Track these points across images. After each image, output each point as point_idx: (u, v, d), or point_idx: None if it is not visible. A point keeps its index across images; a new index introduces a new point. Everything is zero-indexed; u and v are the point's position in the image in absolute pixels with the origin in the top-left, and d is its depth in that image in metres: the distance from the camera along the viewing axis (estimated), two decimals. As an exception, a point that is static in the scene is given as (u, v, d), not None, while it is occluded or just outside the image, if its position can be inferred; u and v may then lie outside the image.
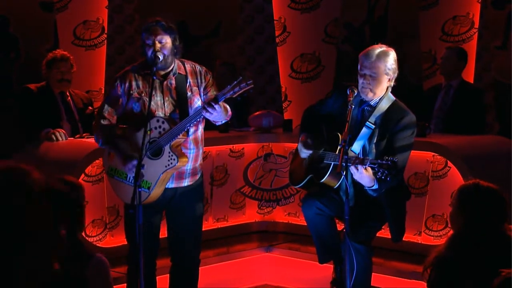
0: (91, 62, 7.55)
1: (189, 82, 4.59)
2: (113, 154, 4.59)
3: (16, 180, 2.30)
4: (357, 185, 4.54)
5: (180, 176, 4.58)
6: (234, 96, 4.36)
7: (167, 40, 4.50)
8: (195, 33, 9.28)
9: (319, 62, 8.16)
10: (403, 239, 4.82)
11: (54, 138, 5.78)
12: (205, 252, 4.91)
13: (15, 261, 2.24)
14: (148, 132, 4.37)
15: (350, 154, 4.37)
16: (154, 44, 4.46)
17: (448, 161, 5.72)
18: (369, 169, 4.24)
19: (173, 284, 4.78)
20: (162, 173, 4.42)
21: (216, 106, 4.31)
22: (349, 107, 4.47)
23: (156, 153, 4.43)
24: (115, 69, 8.22)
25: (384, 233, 4.95)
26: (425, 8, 7.92)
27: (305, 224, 4.90)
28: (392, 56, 4.58)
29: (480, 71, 7.90)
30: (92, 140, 5.75)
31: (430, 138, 5.96)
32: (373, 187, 4.40)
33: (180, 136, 4.42)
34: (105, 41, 7.67)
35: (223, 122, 4.64)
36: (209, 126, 4.81)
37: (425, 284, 3.55)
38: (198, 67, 4.67)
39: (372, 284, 4.78)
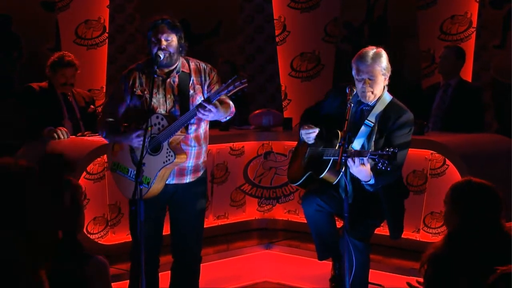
0: (93, 61, 7.57)
1: (192, 80, 4.60)
2: (117, 150, 4.61)
3: (16, 177, 2.32)
4: (355, 182, 4.56)
5: (181, 172, 4.59)
6: (229, 94, 4.37)
7: (173, 38, 4.52)
8: (196, 32, 9.29)
9: (319, 61, 8.17)
10: (402, 236, 4.83)
11: (56, 136, 5.79)
12: (205, 249, 4.92)
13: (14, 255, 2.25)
14: (149, 128, 4.39)
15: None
16: (159, 42, 4.48)
17: (446, 159, 5.73)
18: (366, 163, 4.27)
19: (175, 280, 4.79)
20: (160, 169, 4.43)
21: (210, 107, 4.31)
22: (348, 105, 4.49)
23: (155, 149, 4.44)
24: (116, 68, 8.25)
25: (383, 230, 4.97)
26: (424, 8, 7.93)
27: (305, 221, 4.91)
28: (384, 55, 4.60)
29: (478, 70, 7.91)
30: (93, 138, 5.78)
31: (429, 136, 5.97)
32: (370, 182, 4.43)
33: (179, 133, 4.43)
34: (106, 40, 7.68)
35: (227, 118, 4.62)
36: (210, 124, 4.81)
37: (423, 280, 3.57)
38: (202, 65, 4.67)
39: (371, 280, 4.80)
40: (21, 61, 8.48)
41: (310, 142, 4.72)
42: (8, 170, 2.37)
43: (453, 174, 5.60)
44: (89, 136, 5.90)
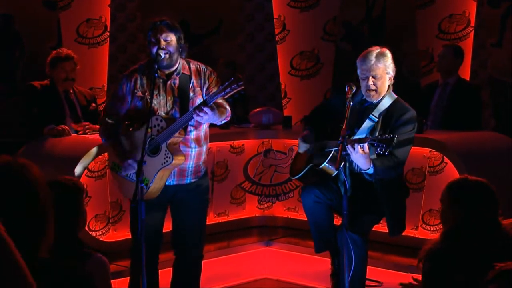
0: (94, 59, 7.57)
1: (193, 82, 4.59)
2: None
3: (16, 174, 2.31)
4: (355, 178, 4.58)
5: (182, 173, 4.58)
6: (225, 97, 4.36)
7: (172, 38, 4.50)
8: (196, 32, 9.29)
9: (318, 59, 8.17)
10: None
11: (58, 135, 5.79)
12: (206, 246, 4.91)
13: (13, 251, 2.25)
14: (149, 130, 4.38)
15: None
16: (159, 42, 4.47)
17: (445, 157, 5.73)
18: (366, 149, 4.28)
19: (176, 277, 4.79)
20: (159, 170, 4.43)
21: (206, 109, 4.30)
22: (348, 103, 4.51)
23: (154, 151, 4.44)
24: (117, 67, 8.25)
25: (382, 227, 4.97)
26: (422, 7, 7.93)
27: (304, 219, 4.92)
28: (389, 55, 4.62)
29: (476, 68, 7.91)
30: (95, 136, 5.78)
31: (427, 134, 5.97)
32: (369, 171, 4.45)
33: (177, 135, 4.42)
34: (108, 39, 7.68)
35: (222, 122, 4.61)
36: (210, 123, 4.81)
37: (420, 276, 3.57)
38: (203, 68, 4.65)
39: (370, 277, 4.80)
40: (23, 59, 8.49)
41: (299, 150, 4.86)
42: (8, 166, 2.36)
43: (451, 172, 5.59)
44: (90, 133, 5.87)
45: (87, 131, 5.96)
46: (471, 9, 7.64)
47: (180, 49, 4.54)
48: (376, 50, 4.62)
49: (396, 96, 4.70)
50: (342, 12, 8.73)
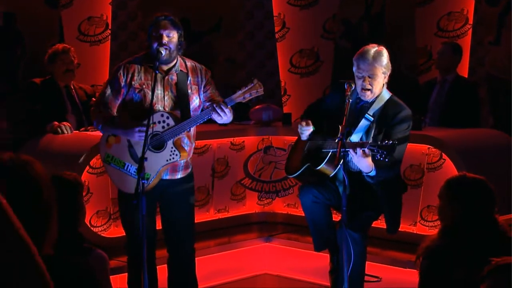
0: (96, 57, 7.57)
1: (190, 80, 4.61)
2: (111, 142, 4.58)
3: (19, 171, 2.32)
4: (353, 176, 4.57)
5: (174, 169, 4.61)
6: (244, 101, 4.41)
7: (174, 35, 4.53)
8: (197, 29, 9.28)
9: (318, 57, 8.17)
10: (399, 229, 4.84)
11: (60, 131, 5.79)
12: (206, 242, 4.93)
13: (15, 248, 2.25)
14: (153, 125, 4.39)
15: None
16: (161, 37, 4.47)
17: (443, 154, 5.74)
18: (367, 154, 4.27)
19: (172, 274, 4.81)
20: (163, 166, 4.45)
21: (227, 110, 4.36)
22: (347, 101, 4.50)
23: (158, 147, 4.44)
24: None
25: (381, 223, 4.97)
26: (421, 5, 7.93)
27: (304, 215, 4.92)
28: (385, 54, 4.60)
29: (474, 65, 7.91)
30: (96, 133, 5.77)
31: (426, 131, 5.97)
32: (371, 173, 4.44)
33: (184, 132, 4.45)
34: (109, 37, 7.68)
35: (224, 123, 4.66)
36: (209, 119, 4.82)
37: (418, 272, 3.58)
38: (198, 66, 4.69)
39: (369, 273, 4.81)
40: (25, 57, 8.47)
41: (303, 138, 4.75)
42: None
43: (450, 169, 5.60)
44: (92, 130, 5.90)
45: (89, 128, 5.97)
46: (470, 7, 7.65)
47: (179, 46, 4.56)
48: (373, 49, 4.59)
49: (390, 94, 4.68)
50: (341, 10, 8.72)
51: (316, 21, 8.13)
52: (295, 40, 8.17)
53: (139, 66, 4.58)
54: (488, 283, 2.79)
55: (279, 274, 6.18)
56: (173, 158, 4.43)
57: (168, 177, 4.59)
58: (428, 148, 5.81)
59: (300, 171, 4.81)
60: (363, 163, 4.37)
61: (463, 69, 7.36)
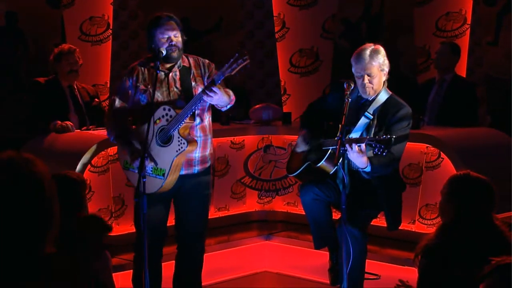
0: (97, 56, 7.56)
1: (193, 73, 4.63)
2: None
3: (21, 169, 2.32)
4: (353, 174, 4.58)
5: (190, 163, 4.60)
6: (232, 73, 4.35)
7: (179, 34, 4.56)
8: (197, 29, 9.29)
9: (317, 57, 8.16)
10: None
11: (63, 130, 5.79)
12: (207, 240, 4.92)
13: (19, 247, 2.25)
14: (157, 121, 4.41)
15: None
16: (169, 38, 4.50)
17: (441, 153, 5.74)
18: (363, 150, 4.28)
19: (178, 270, 4.81)
20: (174, 158, 4.44)
21: (215, 89, 4.32)
22: (346, 100, 4.51)
23: (167, 141, 4.45)
24: (120, 64, 8.25)
25: (380, 221, 4.98)
26: (420, 5, 7.93)
27: (303, 213, 4.92)
28: (382, 52, 4.61)
29: (472, 65, 7.91)
30: (98, 132, 5.79)
31: (424, 130, 5.97)
32: (366, 169, 4.45)
33: (187, 120, 4.43)
34: (110, 36, 7.68)
35: (228, 107, 4.61)
36: (211, 117, 4.82)
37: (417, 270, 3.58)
38: (201, 59, 4.72)
39: (368, 270, 4.81)
40: (28, 56, 8.48)
41: (296, 151, 4.87)
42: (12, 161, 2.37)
43: (448, 167, 5.60)
44: (93, 129, 5.91)
45: (90, 127, 5.98)
46: (468, 7, 7.64)
47: (183, 44, 4.60)
48: (369, 48, 4.61)
49: (390, 93, 4.70)
50: (340, 10, 8.72)
51: (315, 21, 8.13)
52: (294, 40, 8.17)
53: (142, 68, 4.60)
54: (487, 282, 2.79)
55: (279, 272, 6.19)
56: (182, 148, 4.42)
57: (184, 172, 4.59)
58: (427, 147, 5.81)
59: (300, 169, 4.82)
60: (359, 159, 4.38)
61: (461, 69, 7.36)
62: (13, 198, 2.29)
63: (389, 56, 4.68)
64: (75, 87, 6.20)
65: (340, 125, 4.46)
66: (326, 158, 4.58)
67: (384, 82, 4.66)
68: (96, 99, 6.31)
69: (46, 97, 6.02)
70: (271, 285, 6.15)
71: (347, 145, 4.31)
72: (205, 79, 4.64)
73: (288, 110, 7.53)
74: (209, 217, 4.93)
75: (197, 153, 4.60)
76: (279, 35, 8.23)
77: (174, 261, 4.83)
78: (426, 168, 5.83)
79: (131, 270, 4.82)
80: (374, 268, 4.99)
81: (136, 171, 4.36)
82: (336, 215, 4.88)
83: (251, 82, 9.41)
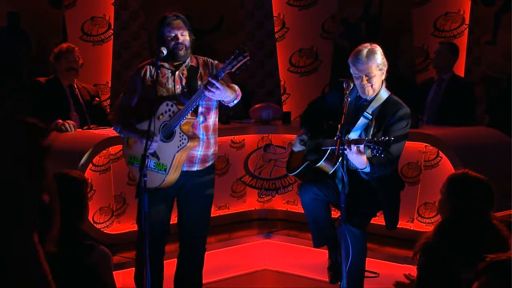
0: (98, 56, 7.57)
1: (200, 72, 4.63)
2: (131, 143, 4.61)
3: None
4: (352, 173, 4.58)
5: (191, 160, 4.60)
6: (232, 70, 4.36)
7: (187, 33, 4.56)
8: (198, 28, 9.28)
9: (317, 56, 8.16)
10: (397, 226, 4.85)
11: (64, 129, 5.79)
12: (207, 239, 4.92)
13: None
14: (160, 117, 4.41)
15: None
16: (176, 37, 4.52)
17: (440, 152, 5.73)
18: (362, 151, 4.28)
19: (180, 269, 4.80)
20: (176, 153, 4.44)
21: (217, 84, 4.31)
22: (345, 99, 4.51)
23: (169, 136, 4.46)
24: (121, 63, 8.25)
25: (379, 220, 4.97)
26: (418, 5, 7.92)
27: (303, 212, 4.92)
28: (379, 51, 4.60)
29: (470, 65, 7.91)
30: (99, 131, 5.79)
31: (423, 129, 5.97)
32: (365, 170, 4.44)
33: (189, 116, 4.43)
34: (112, 36, 7.68)
35: (235, 102, 4.58)
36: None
37: (416, 268, 3.58)
38: (210, 60, 4.72)
39: (367, 268, 4.81)
40: (30, 56, 8.48)
41: (293, 149, 4.87)
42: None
43: (446, 166, 5.60)
44: (95, 129, 5.90)
45: (91, 126, 5.97)
46: (466, 7, 7.64)
47: (191, 43, 4.60)
48: (366, 48, 4.59)
49: (389, 93, 4.69)
50: (340, 10, 8.72)
51: (315, 21, 8.12)
52: (294, 40, 8.17)
53: (150, 67, 4.62)
54: (482, 279, 2.80)
55: (278, 270, 6.18)
56: (183, 143, 4.43)
57: (185, 169, 4.59)
58: (425, 146, 5.81)
59: (300, 169, 4.82)
60: (358, 159, 4.37)
61: (460, 69, 7.36)
62: (14, 196, 2.29)
63: (388, 56, 4.67)
64: (76, 86, 6.19)
65: (339, 125, 4.47)
66: (326, 158, 4.57)
67: (383, 81, 4.65)
68: (97, 98, 6.31)
69: (46, 97, 6.01)
70: (271, 283, 6.14)
71: (345, 146, 4.30)
72: None
73: (288, 109, 7.53)
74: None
75: (199, 151, 4.60)
76: (279, 35, 8.23)
77: (176, 259, 4.83)
78: (425, 167, 5.82)
79: (133, 268, 4.82)
80: (373, 266, 4.98)
81: (139, 166, 4.37)
82: (335, 214, 4.88)
83: (251, 82, 9.41)
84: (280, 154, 6.76)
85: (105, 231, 5.70)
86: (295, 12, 8.13)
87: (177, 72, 4.59)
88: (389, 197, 4.70)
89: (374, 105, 4.61)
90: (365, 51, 4.56)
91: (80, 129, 5.93)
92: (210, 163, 4.72)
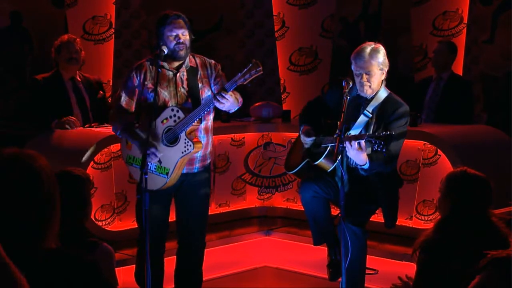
0: (100, 55, 7.55)
1: (200, 73, 4.61)
2: (130, 144, 4.59)
3: (22, 165, 2.31)
4: (351, 171, 4.57)
5: (191, 162, 4.60)
6: (245, 83, 4.37)
7: (187, 33, 4.54)
8: (199, 28, 9.27)
9: (316, 55, 8.16)
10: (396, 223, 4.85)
11: (67, 127, 5.76)
12: (208, 236, 4.92)
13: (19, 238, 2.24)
14: (164, 121, 4.40)
15: None
16: (178, 36, 4.49)
17: (438, 150, 5.73)
18: (363, 147, 4.27)
19: (180, 265, 4.80)
20: (179, 158, 4.44)
21: (227, 96, 4.32)
22: (345, 98, 4.50)
23: (173, 141, 4.45)
24: (122, 62, 8.24)
25: (378, 217, 4.97)
26: (417, 4, 7.91)
27: (303, 209, 4.92)
28: (382, 51, 4.59)
29: (468, 64, 7.90)
30: (101, 129, 5.77)
31: (421, 127, 5.97)
32: (365, 166, 4.43)
33: (195, 123, 4.43)
34: (113, 35, 7.67)
35: (235, 109, 4.61)
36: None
37: (415, 265, 3.58)
38: (208, 60, 4.69)
39: (367, 265, 4.81)
40: (32, 54, 8.47)
41: (306, 147, 4.77)
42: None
43: (445, 164, 5.60)
44: (96, 127, 5.88)
45: (93, 124, 5.95)
46: (464, 6, 7.63)
47: (191, 43, 4.59)
48: (369, 47, 4.59)
49: (389, 91, 4.69)
50: (339, 9, 8.71)
51: (314, 20, 8.12)
52: (294, 39, 8.16)
53: (150, 66, 4.58)
54: (482, 275, 2.79)
55: (278, 267, 6.18)
56: (188, 150, 4.43)
57: (185, 171, 4.59)
58: (424, 144, 5.80)
59: (299, 166, 4.81)
60: (358, 156, 4.36)
61: (458, 67, 7.36)
62: (13, 193, 2.28)
63: (387, 54, 4.66)
64: (78, 78, 6.11)
65: (338, 122, 4.46)
66: (325, 155, 4.57)
67: (382, 81, 4.64)
68: (101, 92, 6.21)
69: (45, 95, 5.92)
70: (271, 279, 6.14)
71: (346, 142, 4.29)
72: (212, 80, 4.62)
73: (288, 108, 7.52)
74: (210, 213, 4.93)
75: (199, 153, 4.59)
76: (278, 34, 8.22)
77: (175, 256, 4.82)
78: (423, 165, 5.82)
79: (134, 265, 4.82)
80: (372, 263, 4.98)
81: (139, 167, 4.34)
82: (335, 212, 4.87)
83: (251, 81, 9.39)
84: (280, 152, 6.75)
85: (106, 228, 5.70)
86: (295, 11, 8.12)
87: (178, 74, 4.56)
88: (388, 195, 4.70)
89: (374, 103, 4.61)
90: (368, 49, 4.56)
91: (82, 127, 5.91)
92: (208, 162, 4.72)
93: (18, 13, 8.37)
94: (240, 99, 4.58)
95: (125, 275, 5.11)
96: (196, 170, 4.63)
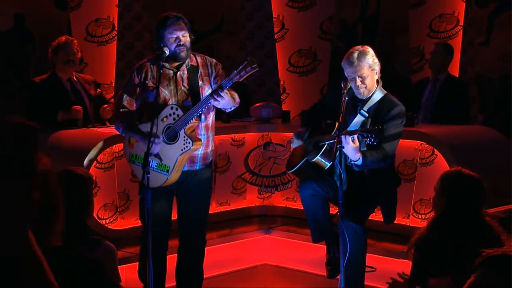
0: (102, 57, 7.57)
1: (200, 72, 4.62)
2: (133, 142, 4.60)
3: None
4: (350, 170, 4.59)
5: (192, 160, 4.60)
6: (240, 80, 4.37)
7: (187, 34, 4.55)
8: (200, 30, 9.28)
9: (315, 57, 8.17)
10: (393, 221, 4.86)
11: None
12: (209, 234, 4.93)
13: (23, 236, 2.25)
14: (164, 119, 4.41)
15: None
16: (178, 38, 4.49)
17: (435, 149, 5.74)
18: (356, 141, 4.29)
19: (181, 263, 4.80)
20: (179, 156, 4.45)
21: (223, 94, 4.33)
22: (343, 99, 4.53)
23: (172, 138, 4.46)
24: (124, 64, 8.25)
25: (376, 216, 4.98)
26: (414, 7, 7.92)
27: (302, 208, 4.93)
28: (370, 52, 4.61)
29: (464, 65, 7.91)
30: (103, 129, 5.79)
31: (418, 127, 5.98)
32: (358, 162, 4.45)
33: (193, 121, 4.43)
34: (115, 37, 7.68)
35: (232, 108, 4.62)
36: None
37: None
38: (208, 59, 4.70)
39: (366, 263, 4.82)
40: (35, 56, 8.48)
41: (291, 145, 4.91)
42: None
43: (441, 164, 5.61)
44: (99, 127, 5.90)
45: (96, 125, 5.96)
46: (460, 9, 7.64)
47: (191, 43, 4.59)
48: (357, 51, 4.60)
49: (385, 92, 4.70)
50: (338, 12, 8.72)
51: (313, 22, 8.13)
52: (293, 41, 8.17)
53: (151, 66, 4.59)
54: (478, 273, 2.80)
55: (278, 265, 6.19)
56: (187, 147, 4.43)
57: (186, 169, 4.59)
58: (421, 144, 5.81)
59: (298, 165, 4.83)
60: (351, 151, 4.38)
61: (454, 69, 7.37)
62: (16, 193, 2.29)
63: (384, 56, 4.68)
64: (75, 79, 6.10)
65: (337, 123, 4.49)
66: (322, 153, 4.59)
67: (377, 80, 4.66)
68: (98, 89, 6.19)
69: (43, 96, 5.90)
70: (271, 277, 6.15)
71: (342, 137, 4.32)
72: (212, 79, 4.63)
73: (287, 108, 7.54)
74: (211, 212, 4.93)
75: (200, 151, 4.60)
76: (278, 36, 8.23)
77: (176, 254, 4.83)
78: (420, 165, 5.83)
79: (137, 263, 4.83)
80: (370, 261, 4.99)
81: (141, 165, 4.36)
82: (335, 210, 4.88)
83: (252, 81, 9.40)
84: (279, 152, 6.76)
85: (109, 226, 5.71)
86: (294, 13, 8.13)
87: (178, 73, 4.58)
88: (386, 193, 4.71)
89: (370, 103, 4.63)
90: (355, 54, 4.58)
91: (84, 128, 5.91)
92: (209, 160, 4.73)
93: (22, 15, 8.38)
94: (237, 99, 4.58)
95: (128, 272, 5.12)
96: (197, 168, 4.64)
